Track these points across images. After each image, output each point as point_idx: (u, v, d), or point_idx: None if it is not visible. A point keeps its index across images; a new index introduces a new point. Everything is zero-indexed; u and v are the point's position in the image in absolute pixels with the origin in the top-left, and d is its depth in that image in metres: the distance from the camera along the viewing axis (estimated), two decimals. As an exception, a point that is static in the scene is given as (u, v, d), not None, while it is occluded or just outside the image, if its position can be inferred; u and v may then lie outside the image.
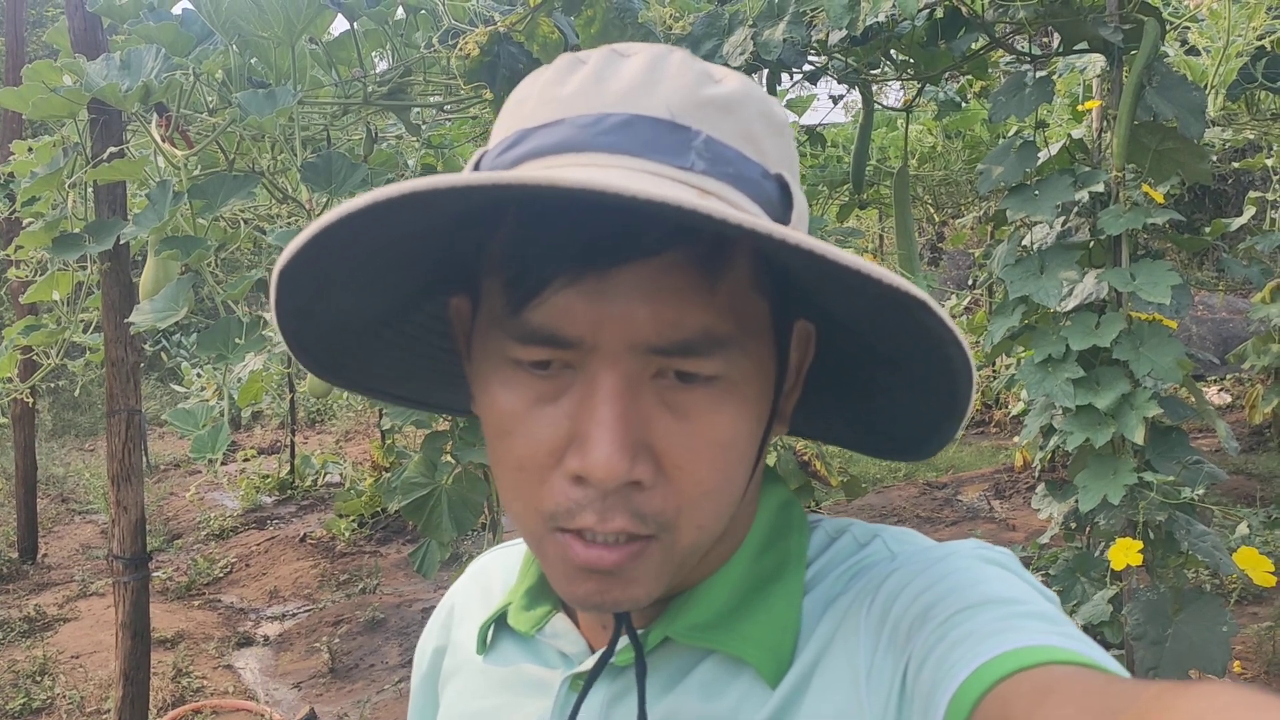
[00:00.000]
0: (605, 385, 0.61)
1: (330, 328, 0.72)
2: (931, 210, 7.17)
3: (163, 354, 13.12)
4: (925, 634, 0.61)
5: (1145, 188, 2.46)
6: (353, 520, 7.45)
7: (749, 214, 0.57)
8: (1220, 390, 9.17)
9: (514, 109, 0.69)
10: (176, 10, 3.17)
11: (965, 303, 9.42)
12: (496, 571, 0.91)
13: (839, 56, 2.84)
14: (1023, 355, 3.13)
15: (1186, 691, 0.43)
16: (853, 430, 0.82)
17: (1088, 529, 2.92)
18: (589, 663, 0.74)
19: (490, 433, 0.67)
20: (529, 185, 0.48)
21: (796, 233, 0.51)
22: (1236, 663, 4.38)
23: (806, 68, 2.87)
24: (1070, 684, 0.51)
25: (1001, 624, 0.59)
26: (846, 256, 0.52)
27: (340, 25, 2.95)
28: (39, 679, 5.12)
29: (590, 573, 0.63)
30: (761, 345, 0.67)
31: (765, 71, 2.85)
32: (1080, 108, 2.95)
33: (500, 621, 0.84)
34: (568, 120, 0.64)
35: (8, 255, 4.19)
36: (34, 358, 4.41)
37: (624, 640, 0.73)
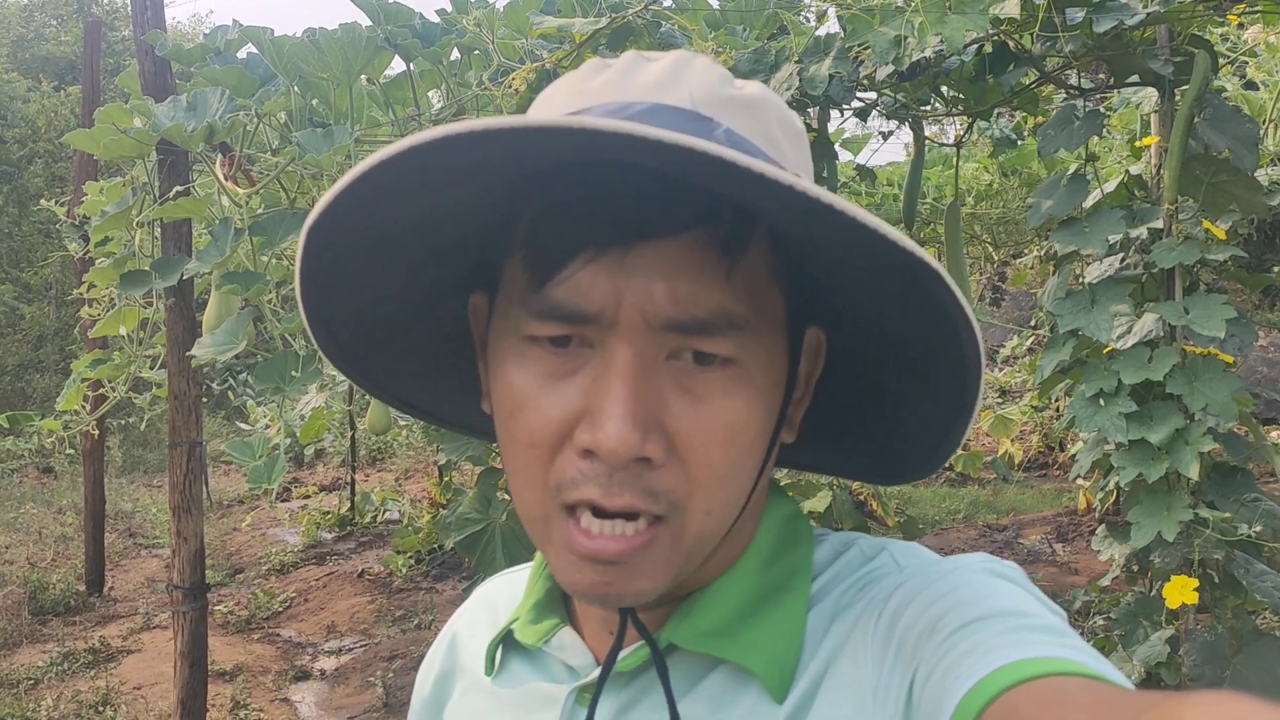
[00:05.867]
0: (620, 360, 0.62)
1: (351, 312, 0.73)
2: (991, 249, 7.10)
3: (230, 392, 13.37)
4: (932, 646, 0.61)
5: (1206, 224, 2.43)
6: (410, 556, 7.51)
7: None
8: (1294, 434, 8.92)
9: (542, 103, 0.72)
10: (241, 54, 3.28)
11: (1028, 342, 9.30)
12: (502, 594, 0.91)
13: (888, 92, 2.85)
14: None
15: (1195, 700, 0.43)
16: (862, 455, 0.83)
17: (1149, 571, 2.85)
18: (596, 674, 0.74)
19: (502, 413, 0.68)
20: (566, 127, 0.49)
21: (818, 187, 0.52)
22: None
23: (855, 104, 2.88)
24: (1078, 695, 0.51)
25: (1009, 636, 0.58)
26: (864, 213, 0.53)
27: (397, 66, 3.02)
28: (101, 709, 5.20)
29: (595, 562, 0.63)
30: (775, 338, 0.68)
31: (816, 109, 2.87)
32: (1138, 144, 2.92)
33: (507, 641, 0.83)
34: (594, 108, 0.66)
35: (80, 293, 4.32)
36: (103, 392, 4.53)
37: (629, 648, 0.73)
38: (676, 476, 0.63)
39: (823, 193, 0.51)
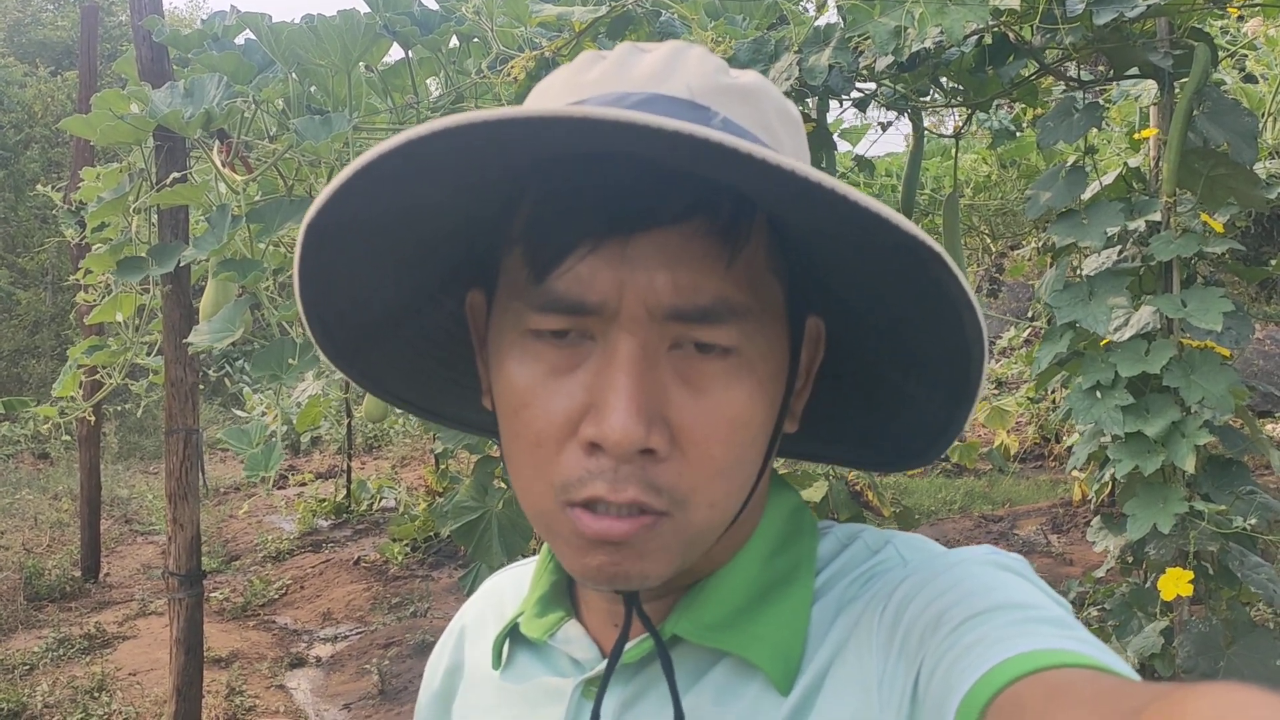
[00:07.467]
0: (623, 353, 0.62)
1: (349, 303, 0.73)
2: (988, 240, 7.10)
3: (226, 379, 13.35)
4: (937, 640, 0.61)
5: (1204, 217, 2.43)
6: (406, 544, 7.51)
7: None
8: (1289, 426, 8.92)
9: (538, 96, 0.72)
10: (239, 40, 3.27)
11: (1025, 334, 9.29)
12: (509, 588, 0.91)
13: (887, 83, 2.84)
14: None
15: (1200, 691, 0.43)
16: (863, 445, 0.83)
17: (1144, 563, 2.86)
18: (602, 667, 0.74)
19: (505, 410, 0.67)
20: (564, 117, 0.49)
21: (818, 171, 0.52)
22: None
23: (854, 94, 2.87)
24: (1083, 686, 0.51)
25: (1014, 629, 0.58)
26: (862, 196, 0.52)
27: (395, 53, 3.01)
28: (97, 695, 5.21)
29: (601, 544, 0.63)
30: (776, 328, 0.68)
31: (815, 100, 2.86)
32: (1136, 136, 2.91)
33: (514, 635, 0.83)
34: (591, 100, 0.66)
35: (77, 279, 4.31)
36: (99, 378, 4.53)
37: (634, 640, 0.73)
38: (679, 470, 0.63)
39: (821, 175, 0.51)
